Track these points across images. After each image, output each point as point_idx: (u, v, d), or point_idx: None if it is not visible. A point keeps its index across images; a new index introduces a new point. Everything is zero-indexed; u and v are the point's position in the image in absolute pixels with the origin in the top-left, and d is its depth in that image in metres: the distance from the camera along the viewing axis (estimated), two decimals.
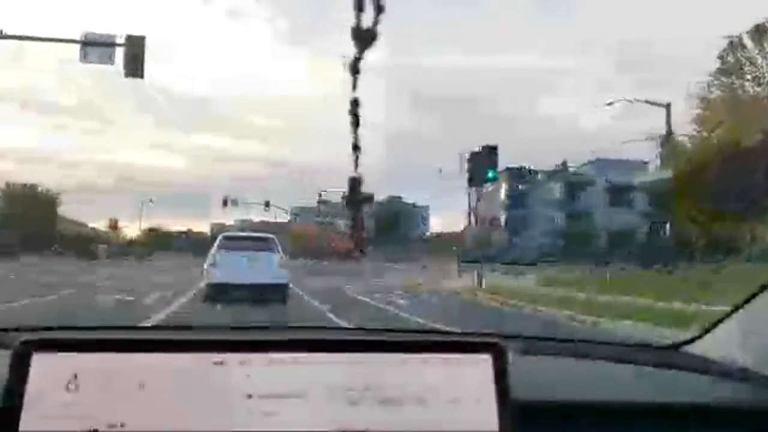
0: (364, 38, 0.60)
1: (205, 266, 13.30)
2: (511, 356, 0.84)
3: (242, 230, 35.90)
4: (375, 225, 61.03)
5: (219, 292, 12.05)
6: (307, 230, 67.68)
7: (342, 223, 73.31)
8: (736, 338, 1.38)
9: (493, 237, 51.84)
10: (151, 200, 61.53)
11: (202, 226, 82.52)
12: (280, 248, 14.07)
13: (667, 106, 24.30)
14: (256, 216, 78.74)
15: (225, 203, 57.85)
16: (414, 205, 70.60)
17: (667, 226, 26.24)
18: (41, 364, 0.74)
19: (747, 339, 1.36)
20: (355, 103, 0.62)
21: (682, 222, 24.04)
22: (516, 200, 57.80)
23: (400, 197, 70.79)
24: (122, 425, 0.73)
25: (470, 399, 0.81)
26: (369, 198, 0.68)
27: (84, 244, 47.46)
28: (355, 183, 0.65)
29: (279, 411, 0.76)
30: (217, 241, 14.12)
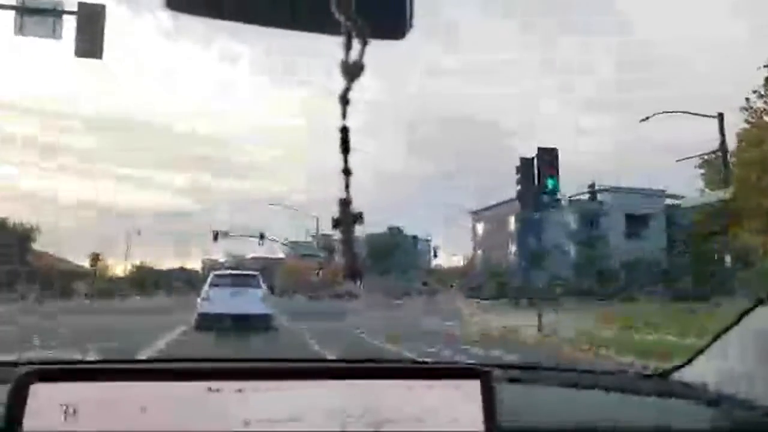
0: (352, 71, 0.65)
1: (199, 300, 15.48)
2: (499, 384, 0.85)
3: (235, 266, 37.59)
4: (371, 258, 59.23)
5: (209, 321, 13.79)
6: (300, 265, 66.09)
7: (336, 256, 70.99)
8: (722, 364, 1.40)
9: (502, 269, 49.46)
10: (138, 232, 58.14)
11: (195, 263, 79.96)
12: (263, 284, 16.44)
13: (720, 117, 21.03)
14: (250, 251, 76.26)
15: (216, 237, 54.89)
16: (415, 238, 67.92)
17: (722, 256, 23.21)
18: (40, 395, 0.75)
19: (732, 365, 1.38)
20: (344, 131, 0.67)
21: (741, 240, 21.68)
22: (530, 228, 52.92)
23: (399, 228, 68.22)
24: None
25: (459, 424, 0.82)
26: (359, 216, 0.69)
27: (64, 282, 43.86)
28: (344, 204, 0.68)
29: None
30: (209, 279, 16.41)
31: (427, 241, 68.33)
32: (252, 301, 15.01)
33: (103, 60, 11.96)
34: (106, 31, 11.83)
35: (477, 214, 63.27)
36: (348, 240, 0.70)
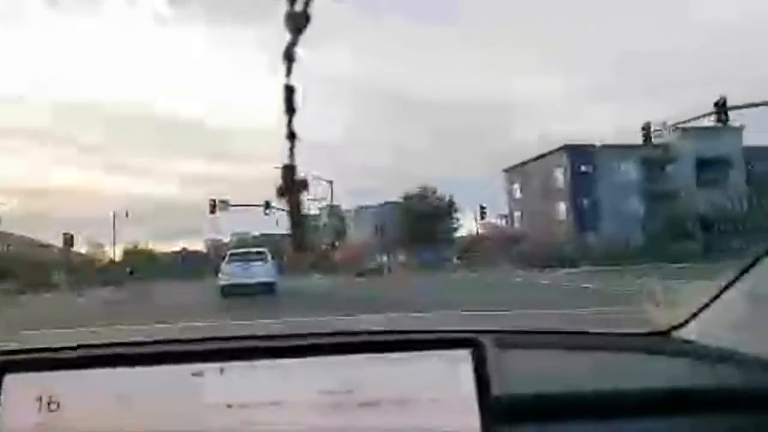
0: (297, 22, 0.62)
1: (219, 275, 19.86)
2: (491, 351, 0.83)
3: (240, 246, 37.78)
4: (404, 224, 54.21)
5: (229, 290, 18.21)
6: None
7: (350, 227, 65.05)
8: (726, 320, 1.35)
9: (559, 232, 43.18)
10: (126, 213, 53.91)
11: (198, 245, 75.44)
12: (269, 257, 20.36)
13: None
14: (255, 228, 70.87)
15: (213, 208, 46.17)
16: (450, 202, 58.52)
17: None
18: (14, 386, 0.73)
19: (737, 320, 1.33)
20: (289, 90, 0.64)
21: None
22: (582, 182, 45.97)
23: (434, 190, 58.78)
24: None
25: (451, 396, 0.80)
26: (303, 182, 0.67)
27: (37, 271, 37.64)
28: (288, 171, 0.66)
29: (260, 419, 0.75)
30: (227, 256, 21.03)
31: (451, 205, 59.05)
32: (260, 273, 19.24)
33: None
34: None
35: (513, 172, 54.87)
36: (294, 210, 0.67)
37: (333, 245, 58.16)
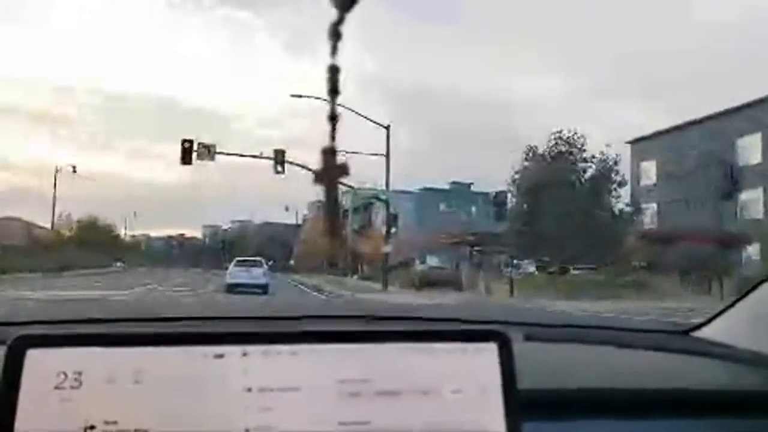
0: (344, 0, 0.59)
1: (227, 275, 27.88)
2: (516, 344, 0.82)
3: (242, 234, 43.96)
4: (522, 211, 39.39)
5: (232, 287, 25.57)
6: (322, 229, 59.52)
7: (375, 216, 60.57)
8: (747, 323, 1.37)
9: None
10: (135, 214, 53.39)
11: (195, 231, 74.64)
12: (264, 265, 29.34)
13: None
14: (258, 216, 68.76)
15: (187, 154, 29.99)
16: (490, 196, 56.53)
17: None
18: (36, 361, 0.73)
19: (759, 323, 1.34)
20: (333, 70, 0.61)
21: None
22: None
23: (470, 183, 57.41)
24: (120, 421, 0.72)
25: (475, 390, 0.79)
26: (342, 167, 0.63)
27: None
28: (328, 154, 0.62)
29: (278, 404, 0.75)
30: (232, 265, 28.76)
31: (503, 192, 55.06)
32: (256, 276, 26.82)
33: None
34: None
35: (643, 144, 38.49)
36: (331, 199, 0.65)
37: (361, 230, 52.72)
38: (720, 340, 1.38)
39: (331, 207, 0.65)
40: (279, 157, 30.93)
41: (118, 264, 61.00)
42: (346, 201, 59.34)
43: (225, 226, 76.64)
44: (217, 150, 31.00)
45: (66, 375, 0.72)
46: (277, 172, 31.07)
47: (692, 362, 1.33)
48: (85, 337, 0.75)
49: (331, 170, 0.60)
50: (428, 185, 62.28)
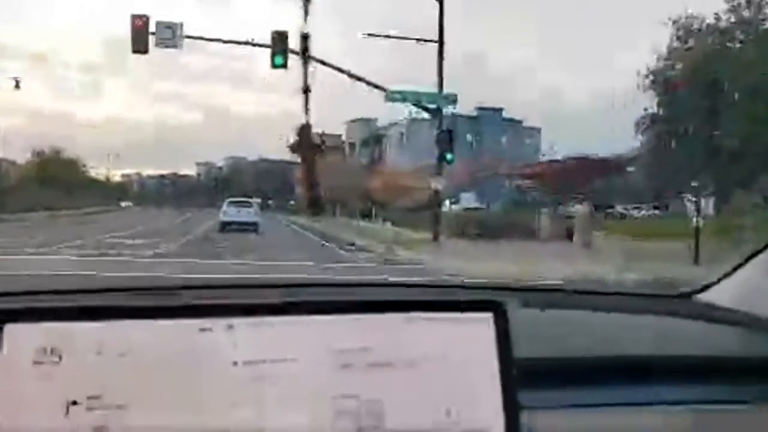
0: None
1: (220, 214, 29.35)
2: (513, 311, 0.80)
3: (237, 171, 46.25)
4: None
5: (225, 225, 27.28)
6: (332, 165, 43.10)
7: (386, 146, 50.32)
8: (749, 287, 1.36)
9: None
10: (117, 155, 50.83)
11: (189, 168, 73.75)
12: (255, 206, 31.25)
13: None
14: (251, 153, 66.71)
15: (141, 31, 20.53)
16: (522, 124, 47.51)
17: None
18: (15, 336, 0.71)
19: (760, 288, 1.33)
20: (304, 38, 0.50)
21: None
22: None
23: (500, 109, 48.07)
24: (104, 396, 0.71)
25: (470, 360, 0.77)
26: (319, 146, 0.56)
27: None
28: (304, 130, 0.56)
29: (268, 377, 0.73)
30: (225, 204, 30.27)
31: (537, 129, 45.88)
32: (247, 215, 28.59)
33: None
34: None
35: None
36: (308, 172, 0.57)
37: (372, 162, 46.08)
38: (724, 303, 1.37)
39: (310, 181, 0.58)
40: (278, 44, 20.03)
41: (123, 204, 59.60)
42: (351, 133, 53.74)
43: (219, 164, 75.58)
44: (187, 34, 21.06)
45: (46, 350, 0.71)
46: (277, 66, 20.25)
47: (694, 327, 1.32)
48: (65, 311, 0.73)
49: (307, 147, 0.53)
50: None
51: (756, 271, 1.36)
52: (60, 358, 0.71)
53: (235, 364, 0.73)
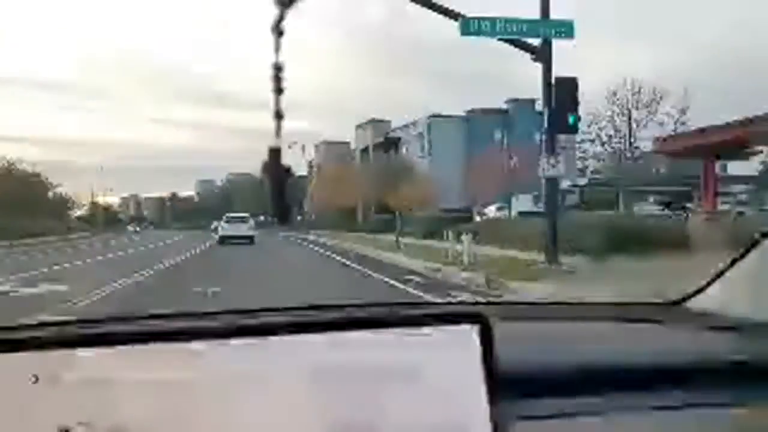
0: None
1: (219, 229, 33.16)
2: (497, 325, 0.82)
3: (240, 189, 50.39)
4: None
5: (224, 238, 31.02)
6: (343, 174, 40.97)
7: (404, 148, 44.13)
8: (736, 291, 1.37)
9: None
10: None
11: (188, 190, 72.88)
12: (251, 221, 33.41)
13: None
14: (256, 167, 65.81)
15: None
16: None
17: None
18: (9, 364, 0.72)
19: (747, 291, 1.34)
20: (277, 68, 0.59)
21: None
22: None
23: (532, 101, 37.78)
24: (94, 422, 0.72)
25: (457, 373, 0.79)
26: (287, 170, 0.66)
27: None
28: (274, 154, 0.64)
29: (261, 396, 0.74)
30: (223, 219, 33.72)
31: None
32: (243, 230, 31.85)
33: None
34: None
35: None
36: (277, 194, 0.66)
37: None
38: (712, 309, 1.38)
39: (277, 202, 0.66)
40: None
41: (130, 229, 58.12)
42: (362, 138, 46.18)
43: (218, 182, 74.71)
44: None
45: (39, 378, 0.72)
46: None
47: (682, 333, 1.33)
48: (57, 340, 0.75)
49: (276, 171, 0.61)
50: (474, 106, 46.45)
51: (741, 275, 1.36)
52: (52, 385, 0.72)
53: (229, 383, 0.74)
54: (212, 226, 46.56)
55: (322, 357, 0.76)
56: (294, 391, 0.75)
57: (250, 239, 31.09)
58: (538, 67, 12.70)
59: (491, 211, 31.89)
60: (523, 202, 30.66)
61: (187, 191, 75.99)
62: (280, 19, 0.57)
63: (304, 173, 53.40)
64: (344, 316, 0.86)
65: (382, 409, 0.76)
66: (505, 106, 46.06)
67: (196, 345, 0.75)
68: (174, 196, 74.73)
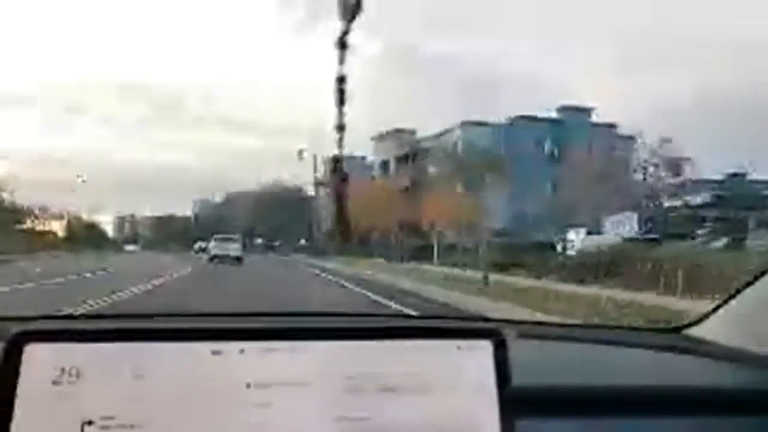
0: (350, 10, 0.53)
1: (210, 248, 35.54)
2: (511, 342, 0.83)
3: (239, 207, 53.24)
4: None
5: (214, 257, 33.18)
6: (368, 191, 36.18)
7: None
8: (739, 321, 1.37)
9: None
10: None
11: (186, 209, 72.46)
12: (239, 242, 35.98)
13: None
14: (255, 183, 63.08)
15: None
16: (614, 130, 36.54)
17: None
18: (34, 356, 0.73)
19: (749, 322, 1.34)
20: (341, 80, 0.56)
21: None
22: None
23: (588, 110, 39.56)
24: (118, 416, 0.73)
25: (470, 386, 0.80)
26: (345, 179, 0.58)
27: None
28: (337, 162, 0.58)
29: (277, 400, 0.76)
30: (213, 240, 36.26)
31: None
32: (233, 249, 34.00)
33: None
34: None
35: None
36: (339, 201, 0.59)
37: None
38: (713, 338, 1.39)
39: (340, 209, 0.66)
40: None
41: (127, 248, 57.52)
42: (382, 150, 40.26)
43: (216, 200, 73.41)
44: None
45: (64, 370, 0.73)
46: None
47: (683, 361, 1.34)
48: (83, 333, 0.76)
49: (338, 178, 0.61)
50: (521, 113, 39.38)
51: (744, 306, 1.37)
52: (77, 378, 0.73)
53: (248, 386, 0.75)
54: (195, 247, 47.88)
55: (338, 365, 0.77)
56: (312, 396, 0.76)
57: (239, 259, 32.72)
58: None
59: (579, 238, 24.18)
60: (617, 225, 23.93)
61: (185, 210, 75.61)
62: (345, 32, 0.57)
63: (312, 192, 46.78)
64: (359, 326, 0.88)
65: (393, 420, 0.77)
66: (554, 114, 41.08)
67: (221, 345, 0.76)
68: (171, 216, 73.93)
